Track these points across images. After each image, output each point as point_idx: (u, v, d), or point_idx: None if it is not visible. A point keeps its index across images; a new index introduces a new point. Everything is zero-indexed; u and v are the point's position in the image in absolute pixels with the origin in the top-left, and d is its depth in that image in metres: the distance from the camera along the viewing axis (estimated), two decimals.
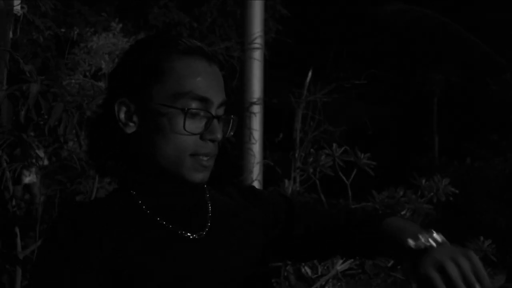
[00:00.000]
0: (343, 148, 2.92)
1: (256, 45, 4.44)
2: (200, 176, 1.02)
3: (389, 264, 2.66)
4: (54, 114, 2.37)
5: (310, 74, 4.23)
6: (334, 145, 2.94)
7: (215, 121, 1.02)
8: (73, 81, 3.67)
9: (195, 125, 1.01)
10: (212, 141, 1.02)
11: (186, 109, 1.00)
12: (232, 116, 1.06)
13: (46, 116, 2.46)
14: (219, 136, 1.01)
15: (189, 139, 1.01)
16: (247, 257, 1.05)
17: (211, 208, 1.08)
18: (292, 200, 1.19)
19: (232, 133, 1.06)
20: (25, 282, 2.64)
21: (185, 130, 1.00)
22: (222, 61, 1.21)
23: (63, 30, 4.56)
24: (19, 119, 2.47)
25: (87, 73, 4.01)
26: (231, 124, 1.06)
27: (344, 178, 2.91)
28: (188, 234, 1.02)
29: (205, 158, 1.01)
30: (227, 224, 1.08)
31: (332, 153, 2.91)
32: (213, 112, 1.02)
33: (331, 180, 3.07)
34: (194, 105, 1.01)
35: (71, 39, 4.49)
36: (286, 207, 1.17)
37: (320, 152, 2.95)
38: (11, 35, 3.88)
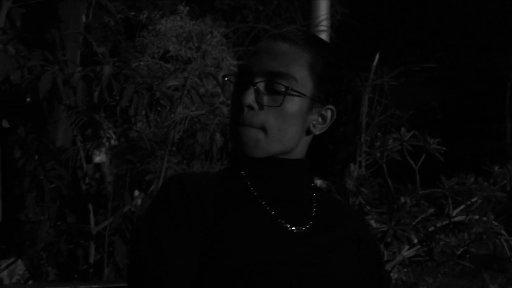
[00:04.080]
0: (411, 133, 2.85)
1: (322, 28, 4.39)
2: (241, 147, 1.02)
3: (458, 252, 2.60)
4: (126, 95, 2.44)
5: (377, 57, 4.14)
6: (403, 129, 2.87)
7: (251, 87, 1.00)
8: (142, 63, 3.75)
9: (237, 95, 1.02)
10: (242, 106, 1.00)
11: (224, 76, 1.08)
12: (281, 84, 1.00)
13: (118, 97, 2.53)
14: (245, 100, 0.99)
15: (233, 108, 1.03)
16: (335, 271, 1.03)
17: (315, 208, 1.06)
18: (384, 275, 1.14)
19: (280, 104, 1.00)
20: (98, 256, 2.75)
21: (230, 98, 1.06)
22: (301, 40, 1.16)
23: (133, 13, 4.66)
24: (92, 100, 2.56)
25: (155, 55, 4.09)
26: (280, 95, 1.00)
27: (412, 163, 2.85)
28: (288, 225, 1.02)
29: (239, 127, 1.01)
30: (327, 230, 1.05)
31: (400, 137, 2.84)
32: (255, 80, 1.01)
33: (398, 165, 3.01)
34: (236, 74, 1.05)
35: (140, 22, 4.58)
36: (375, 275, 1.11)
37: (388, 136, 2.89)
38: (84, 19, 4.01)
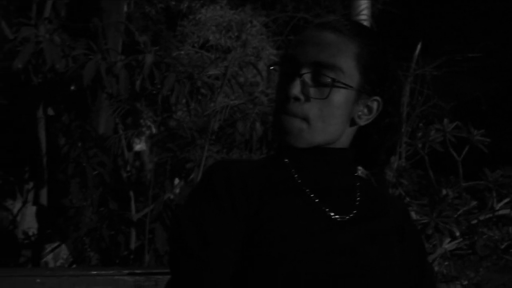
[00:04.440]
0: (455, 124, 2.80)
1: (363, 17, 4.32)
2: (284, 136, 1.01)
3: (502, 246, 2.54)
4: (167, 84, 2.46)
5: (419, 46, 4.07)
6: (445, 120, 2.82)
7: (297, 78, 1.00)
8: (182, 52, 3.78)
9: (283, 84, 1.02)
10: (288, 97, 1.00)
11: (269, 66, 1.08)
12: (328, 76, 1.00)
13: (159, 86, 2.57)
14: (291, 91, 0.99)
15: (278, 98, 1.03)
16: (378, 261, 1.01)
17: (359, 198, 1.06)
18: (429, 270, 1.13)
19: (326, 97, 1.00)
20: (139, 242, 2.80)
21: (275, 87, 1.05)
22: (346, 30, 1.16)
23: (173, 2, 4.70)
24: (134, 88, 2.60)
25: (195, 45, 4.12)
26: (326, 87, 1.00)
27: (455, 154, 2.80)
28: (332, 213, 1.01)
29: (282, 116, 1.01)
30: (371, 219, 1.04)
31: (442, 128, 2.79)
32: (301, 70, 1.01)
33: (440, 157, 2.96)
34: (282, 64, 1.04)
35: (180, 12, 4.62)
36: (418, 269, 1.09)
37: (430, 127, 2.85)
38: (125, 8, 4.06)
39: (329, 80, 1.00)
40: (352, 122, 1.04)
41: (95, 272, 1.26)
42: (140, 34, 2.96)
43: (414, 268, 1.08)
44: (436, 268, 2.86)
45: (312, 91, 1.01)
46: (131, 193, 2.86)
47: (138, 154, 3.88)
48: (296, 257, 0.95)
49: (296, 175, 1.02)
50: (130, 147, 3.21)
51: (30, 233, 3.24)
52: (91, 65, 2.44)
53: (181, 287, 0.96)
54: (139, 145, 3.82)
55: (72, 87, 2.63)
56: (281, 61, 1.07)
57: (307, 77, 1.01)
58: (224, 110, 2.49)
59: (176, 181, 2.96)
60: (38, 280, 1.18)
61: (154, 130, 3.19)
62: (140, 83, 2.49)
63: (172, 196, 2.93)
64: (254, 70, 3.56)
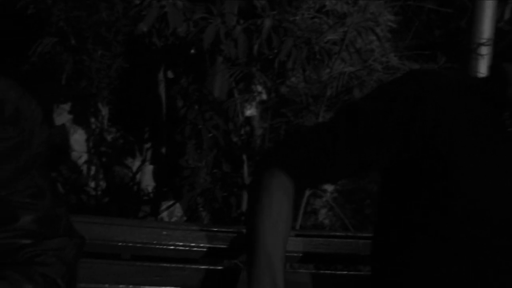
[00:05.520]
0: None
1: None
2: None
3: None
4: (285, 49, 2.45)
5: None
6: None
7: None
8: (297, 18, 3.74)
9: None
10: None
11: None
12: None
13: (276, 51, 2.56)
14: None
15: None
16: None
17: None
18: None
19: None
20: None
21: None
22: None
23: None
24: (252, 53, 2.61)
25: (311, 10, 4.05)
26: None
27: None
28: None
29: None
30: None
31: None
32: None
33: None
34: None
35: None
36: None
37: None
38: None
39: None
40: None
41: (216, 229, 1.29)
42: None
43: None
44: None
45: None
46: (244, 157, 2.91)
47: (248, 119, 3.93)
48: (485, 199, 0.89)
49: (507, 113, 0.94)
50: (243, 111, 3.26)
51: (150, 190, 3.41)
52: (211, 29, 2.48)
53: (303, 148, 0.95)
54: (250, 110, 3.85)
55: (192, 51, 2.69)
56: None
57: None
58: (342, 77, 2.44)
59: None
60: (164, 233, 1.24)
61: (265, 96, 3.21)
62: (258, 48, 2.49)
63: None
64: (369, 36, 3.44)
